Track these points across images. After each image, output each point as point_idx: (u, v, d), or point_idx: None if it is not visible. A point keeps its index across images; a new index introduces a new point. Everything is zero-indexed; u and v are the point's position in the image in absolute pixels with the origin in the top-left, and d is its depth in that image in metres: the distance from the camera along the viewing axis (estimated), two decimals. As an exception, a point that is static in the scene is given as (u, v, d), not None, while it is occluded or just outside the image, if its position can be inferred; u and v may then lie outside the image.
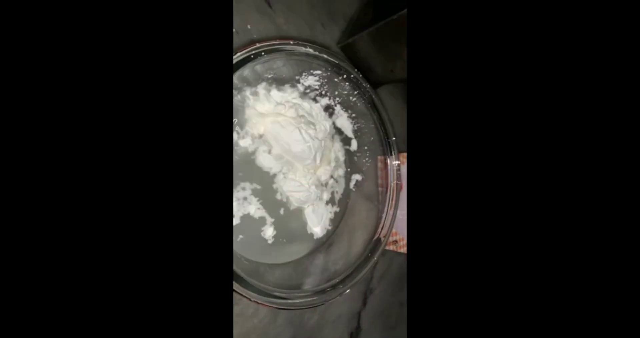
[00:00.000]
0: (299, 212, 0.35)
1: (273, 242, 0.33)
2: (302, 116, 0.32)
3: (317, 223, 0.35)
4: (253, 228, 0.32)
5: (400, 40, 0.36)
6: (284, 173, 0.33)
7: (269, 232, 0.32)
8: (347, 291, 0.30)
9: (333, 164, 0.36)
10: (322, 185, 0.36)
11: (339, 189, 0.38)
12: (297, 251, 0.34)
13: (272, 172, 0.33)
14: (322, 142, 0.33)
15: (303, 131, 0.31)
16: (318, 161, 0.34)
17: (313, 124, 0.33)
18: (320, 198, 0.36)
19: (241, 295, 0.25)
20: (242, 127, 0.32)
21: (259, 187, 0.32)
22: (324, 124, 0.34)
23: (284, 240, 0.34)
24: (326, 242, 0.36)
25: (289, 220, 0.34)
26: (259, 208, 0.32)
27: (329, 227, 0.36)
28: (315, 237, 0.35)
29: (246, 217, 0.31)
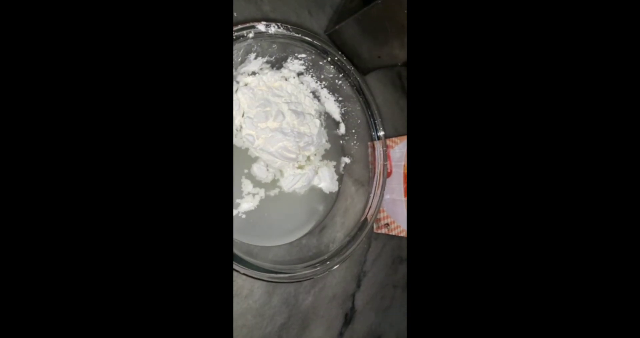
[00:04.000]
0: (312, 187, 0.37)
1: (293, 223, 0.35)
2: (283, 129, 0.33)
3: (325, 180, 0.37)
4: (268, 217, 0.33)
5: (386, 26, 0.36)
6: (278, 175, 0.35)
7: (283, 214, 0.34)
8: (336, 266, 0.31)
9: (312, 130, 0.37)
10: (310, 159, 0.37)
11: (323, 142, 0.38)
12: (321, 212, 0.37)
13: (267, 180, 0.34)
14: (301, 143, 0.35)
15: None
16: (302, 159, 0.36)
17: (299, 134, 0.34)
18: (320, 166, 0.37)
19: (234, 269, 0.26)
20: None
21: (263, 196, 0.33)
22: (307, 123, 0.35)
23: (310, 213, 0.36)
24: (319, 225, 0.37)
25: (306, 198, 0.36)
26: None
27: (337, 176, 0.38)
28: (333, 191, 0.38)
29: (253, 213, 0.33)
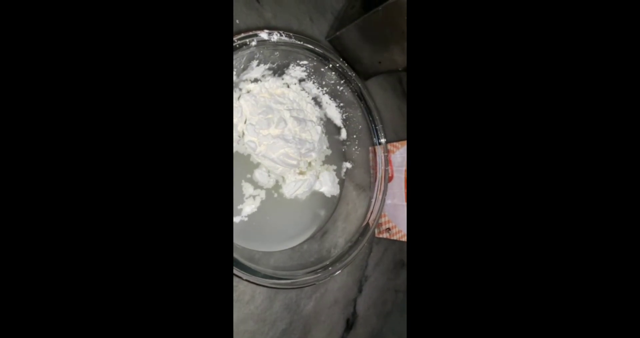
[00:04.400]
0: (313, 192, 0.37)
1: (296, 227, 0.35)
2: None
3: (327, 184, 0.37)
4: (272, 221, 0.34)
5: (386, 32, 0.37)
6: (280, 180, 0.35)
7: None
8: (338, 272, 0.31)
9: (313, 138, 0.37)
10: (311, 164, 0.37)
11: (324, 148, 0.39)
12: (322, 217, 0.37)
13: (268, 186, 0.34)
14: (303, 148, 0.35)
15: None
16: (303, 165, 0.36)
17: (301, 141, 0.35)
18: (321, 171, 0.37)
19: (235, 275, 0.26)
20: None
21: (264, 197, 0.33)
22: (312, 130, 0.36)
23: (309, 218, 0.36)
24: (321, 230, 0.37)
25: (307, 203, 0.36)
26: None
27: (338, 180, 0.38)
28: (335, 194, 0.38)
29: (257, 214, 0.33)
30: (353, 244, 0.33)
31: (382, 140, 0.37)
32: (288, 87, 0.35)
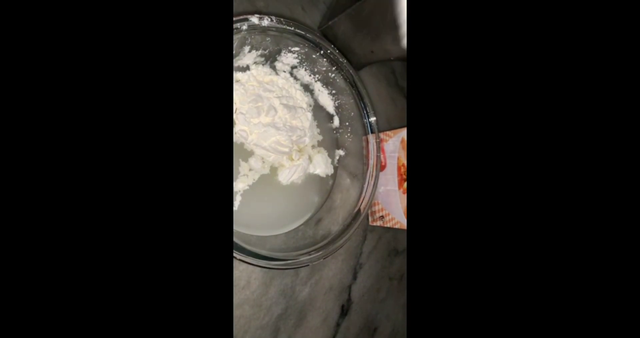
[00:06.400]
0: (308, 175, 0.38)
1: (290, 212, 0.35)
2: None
3: (320, 166, 0.37)
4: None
5: (378, 20, 0.37)
6: (277, 165, 0.35)
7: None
8: (332, 254, 0.31)
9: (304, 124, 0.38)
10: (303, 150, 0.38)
11: (315, 134, 0.39)
12: (317, 204, 0.38)
13: (265, 172, 0.35)
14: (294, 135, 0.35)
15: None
16: (294, 155, 0.36)
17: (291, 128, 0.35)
18: (313, 154, 0.37)
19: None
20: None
21: (256, 178, 0.34)
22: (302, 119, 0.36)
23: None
24: (315, 216, 0.38)
25: (302, 189, 0.37)
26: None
27: (331, 160, 0.39)
28: (330, 173, 0.39)
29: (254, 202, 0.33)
30: (345, 228, 0.34)
31: (372, 120, 0.37)
32: (277, 74, 0.36)
